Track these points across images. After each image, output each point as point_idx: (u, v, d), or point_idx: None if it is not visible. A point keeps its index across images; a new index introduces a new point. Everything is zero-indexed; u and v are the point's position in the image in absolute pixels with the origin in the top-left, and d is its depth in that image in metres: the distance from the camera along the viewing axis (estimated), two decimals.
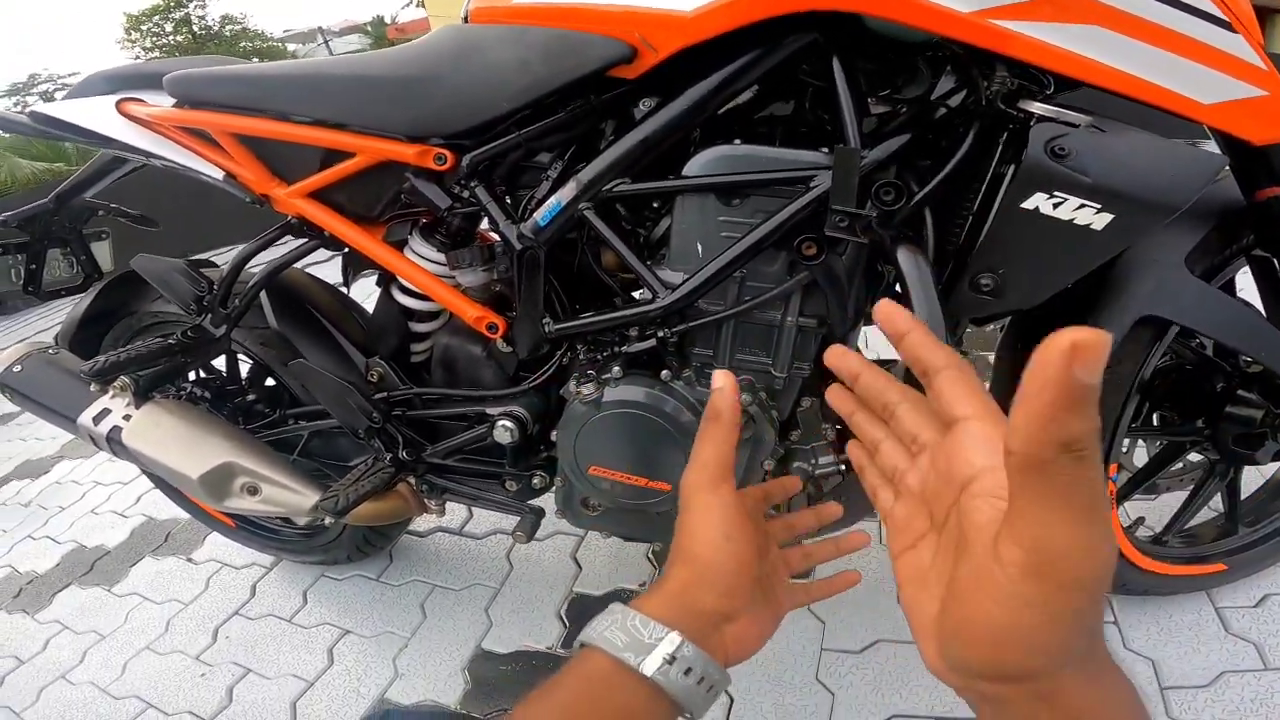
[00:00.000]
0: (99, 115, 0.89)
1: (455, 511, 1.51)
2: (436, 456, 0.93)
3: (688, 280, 0.70)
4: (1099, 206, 0.59)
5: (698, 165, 0.69)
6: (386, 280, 0.95)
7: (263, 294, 0.98)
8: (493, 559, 1.37)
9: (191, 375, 1.13)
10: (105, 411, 0.96)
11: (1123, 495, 1.03)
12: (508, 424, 0.84)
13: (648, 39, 0.66)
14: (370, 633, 1.27)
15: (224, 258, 1.08)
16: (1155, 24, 0.56)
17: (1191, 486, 1.08)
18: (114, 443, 0.96)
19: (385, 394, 0.93)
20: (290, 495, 0.96)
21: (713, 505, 0.40)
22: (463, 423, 0.94)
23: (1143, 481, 1.06)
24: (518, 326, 0.83)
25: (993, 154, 0.62)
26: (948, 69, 0.66)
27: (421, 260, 0.86)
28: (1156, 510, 1.18)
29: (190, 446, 0.95)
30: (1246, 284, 0.86)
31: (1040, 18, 0.56)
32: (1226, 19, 0.57)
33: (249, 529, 1.40)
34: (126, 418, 0.95)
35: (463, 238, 0.89)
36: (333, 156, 0.80)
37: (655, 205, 0.77)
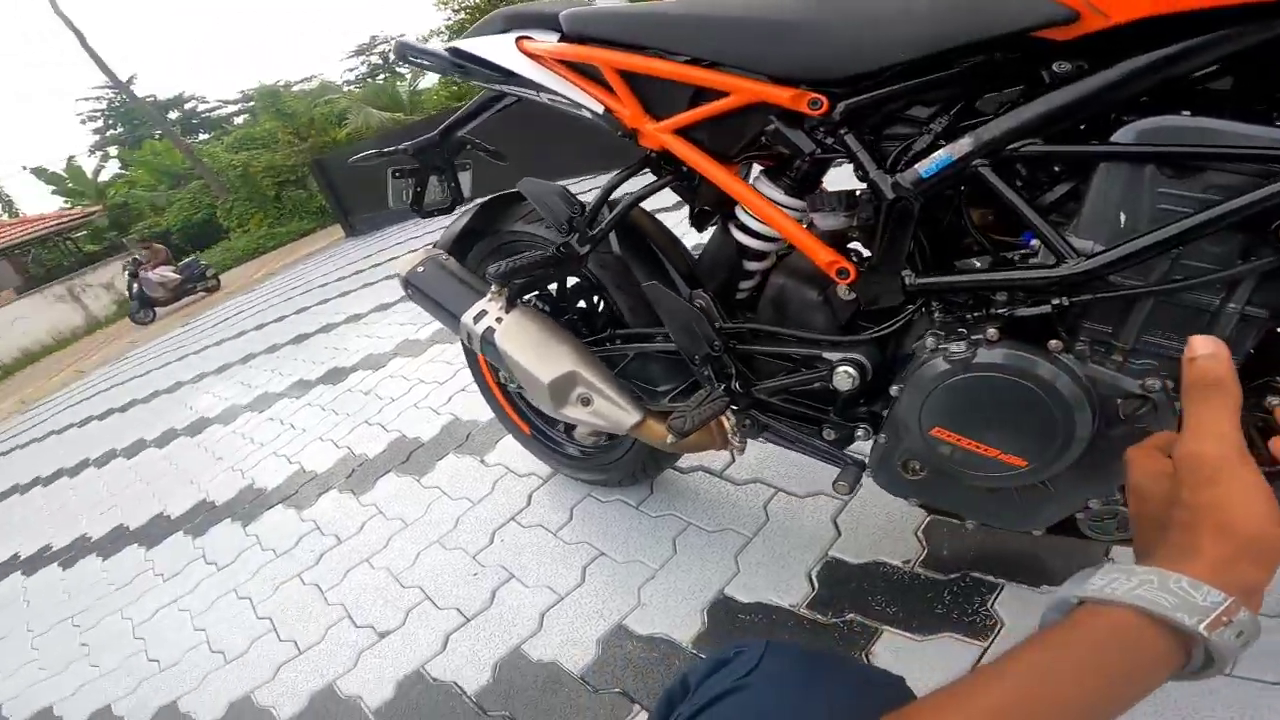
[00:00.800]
0: (502, 50, 1.02)
1: (719, 454, 1.57)
2: (765, 393, 0.97)
3: (1110, 250, 0.65)
4: None
5: (1135, 134, 0.63)
6: (724, 218, 1.00)
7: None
8: (749, 507, 1.42)
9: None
10: (483, 313, 1.14)
11: None
12: (850, 370, 0.85)
13: (1098, 4, 0.61)
14: (622, 558, 1.37)
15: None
16: None
17: None
18: (485, 341, 1.14)
19: (720, 324, 0.99)
20: (617, 411, 1.07)
21: (1251, 481, 0.39)
22: (787, 363, 0.97)
23: None
24: (870, 275, 0.83)
25: None
26: None
27: (773, 201, 0.90)
28: None
29: (545, 352, 1.10)
30: None
31: None
32: None
33: (540, 438, 1.58)
34: (499, 320, 1.13)
35: (810, 184, 0.91)
36: (703, 95, 0.85)
37: (1056, 170, 0.72)
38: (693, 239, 1.12)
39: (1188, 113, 0.65)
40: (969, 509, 0.89)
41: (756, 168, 0.98)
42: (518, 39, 1.01)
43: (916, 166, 0.73)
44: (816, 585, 1.21)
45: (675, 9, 0.90)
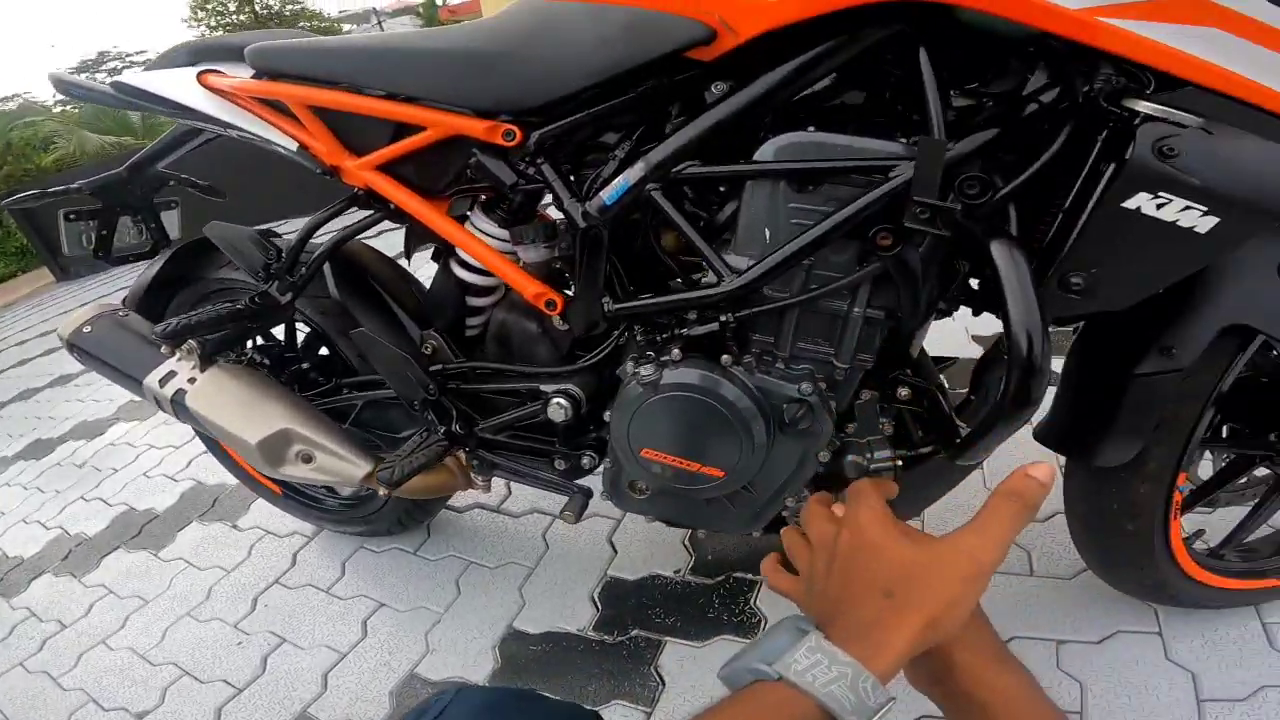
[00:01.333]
0: (181, 86, 0.92)
1: (493, 489, 1.53)
2: (488, 431, 0.94)
3: (755, 265, 0.70)
4: (1205, 209, 0.57)
5: (771, 151, 0.68)
6: (445, 254, 0.96)
7: (325, 264, 1.00)
8: (529, 538, 1.39)
9: (252, 342, 1.17)
10: (171, 374, 0.99)
11: (1185, 506, 1.01)
12: (562, 401, 0.84)
13: (728, 21, 0.65)
14: (405, 607, 1.30)
15: (284, 230, 1.11)
16: (1272, 27, 0.54)
17: (1253, 502, 1.05)
18: (177, 405, 0.99)
19: (441, 366, 0.95)
20: (343, 464, 0.98)
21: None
22: (515, 399, 0.95)
23: (1207, 494, 1.03)
24: (576, 304, 0.83)
25: (1088, 151, 0.60)
26: (1040, 65, 0.64)
27: (483, 235, 0.88)
28: (1216, 525, 1.15)
29: (250, 412, 0.98)
30: None
31: (1154, 18, 0.54)
32: None
33: (295, 497, 1.43)
34: (191, 380, 0.98)
35: (524, 215, 0.90)
36: (404, 130, 0.82)
37: (721, 190, 0.76)
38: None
39: (813, 128, 0.70)
40: (696, 519, 0.92)
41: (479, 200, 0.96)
42: (201, 73, 0.91)
43: (601, 194, 0.74)
44: (600, 606, 1.22)
45: (366, 42, 0.84)
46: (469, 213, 0.92)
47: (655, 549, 1.31)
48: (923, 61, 0.62)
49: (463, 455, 0.99)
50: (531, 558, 1.34)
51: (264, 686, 1.23)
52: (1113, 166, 0.58)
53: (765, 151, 0.68)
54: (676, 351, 0.77)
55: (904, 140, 0.65)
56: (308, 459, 0.98)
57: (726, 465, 0.78)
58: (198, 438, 1.54)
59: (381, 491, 0.96)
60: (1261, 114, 0.57)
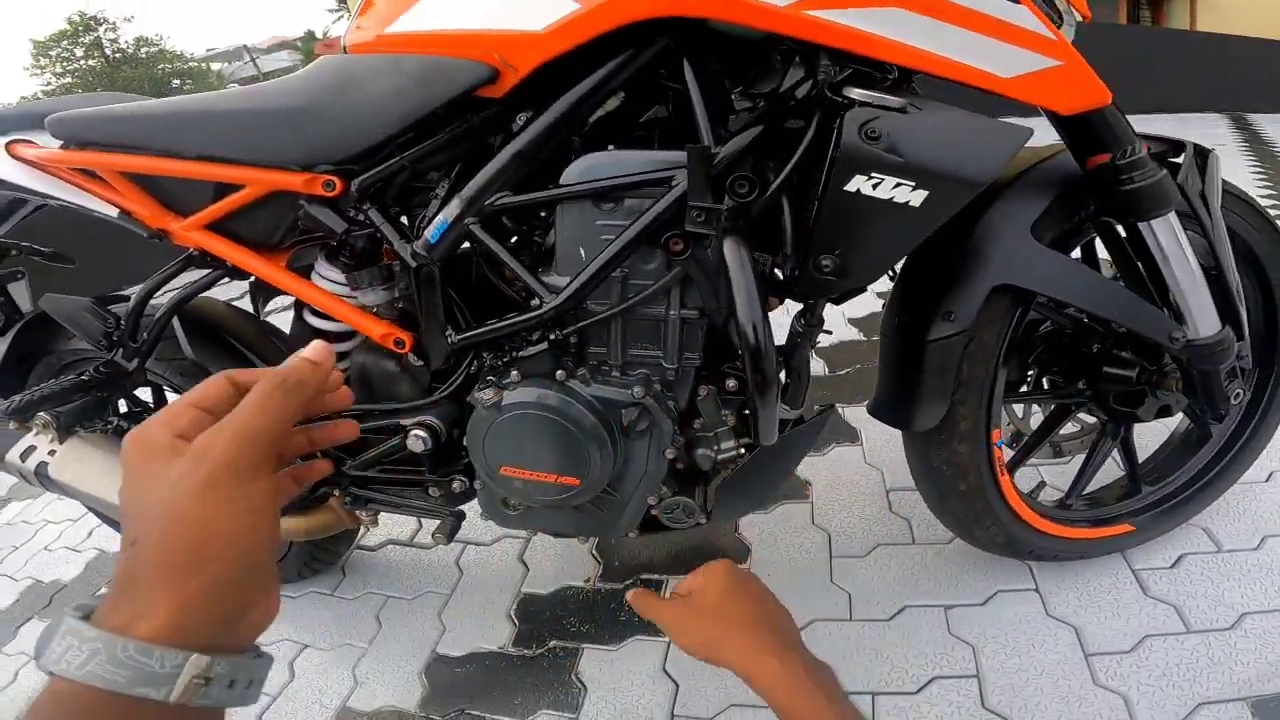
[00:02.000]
0: None
1: (406, 524, 1.54)
2: (357, 469, 0.95)
3: (570, 283, 0.74)
4: (914, 184, 0.62)
5: (573, 174, 0.72)
6: (298, 304, 0.97)
7: (176, 324, 0.99)
8: (443, 566, 1.40)
9: (115, 410, 1.14)
10: (31, 448, 0.97)
11: (1016, 461, 1.08)
12: (420, 433, 0.86)
13: (507, 59, 0.69)
14: (328, 645, 1.29)
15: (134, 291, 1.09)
16: (950, 4, 0.59)
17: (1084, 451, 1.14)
18: (42, 477, 0.97)
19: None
20: None
21: (242, 499, 0.32)
22: (382, 436, 0.96)
23: (1036, 445, 1.11)
24: (424, 340, 0.85)
25: (828, 141, 0.65)
26: (795, 62, 0.69)
27: (327, 283, 0.89)
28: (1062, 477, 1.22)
29: (116, 477, 0.96)
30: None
31: (847, 4, 0.59)
32: None
33: None
34: (51, 453, 0.96)
35: (367, 258, 0.91)
36: (224, 188, 0.82)
37: (543, 215, 0.80)
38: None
39: (612, 147, 0.76)
40: (572, 528, 0.95)
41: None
42: (9, 143, 0.88)
43: (425, 233, 0.77)
44: (517, 623, 1.24)
45: (171, 105, 0.84)
46: (315, 262, 0.93)
47: (565, 562, 1.34)
48: (686, 71, 0.66)
49: (336, 496, 1.00)
50: (447, 585, 1.35)
51: None
52: (831, 153, 0.64)
53: (570, 174, 0.72)
54: (515, 374, 0.80)
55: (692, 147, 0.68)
56: None
57: (579, 474, 0.81)
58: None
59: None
60: (954, 83, 0.63)
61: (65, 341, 1.11)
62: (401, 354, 0.88)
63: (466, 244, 0.80)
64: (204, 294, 0.95)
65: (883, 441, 1.50)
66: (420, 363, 0.89)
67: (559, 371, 0.79)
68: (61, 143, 0.85)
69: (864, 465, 1.45)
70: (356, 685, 1.20)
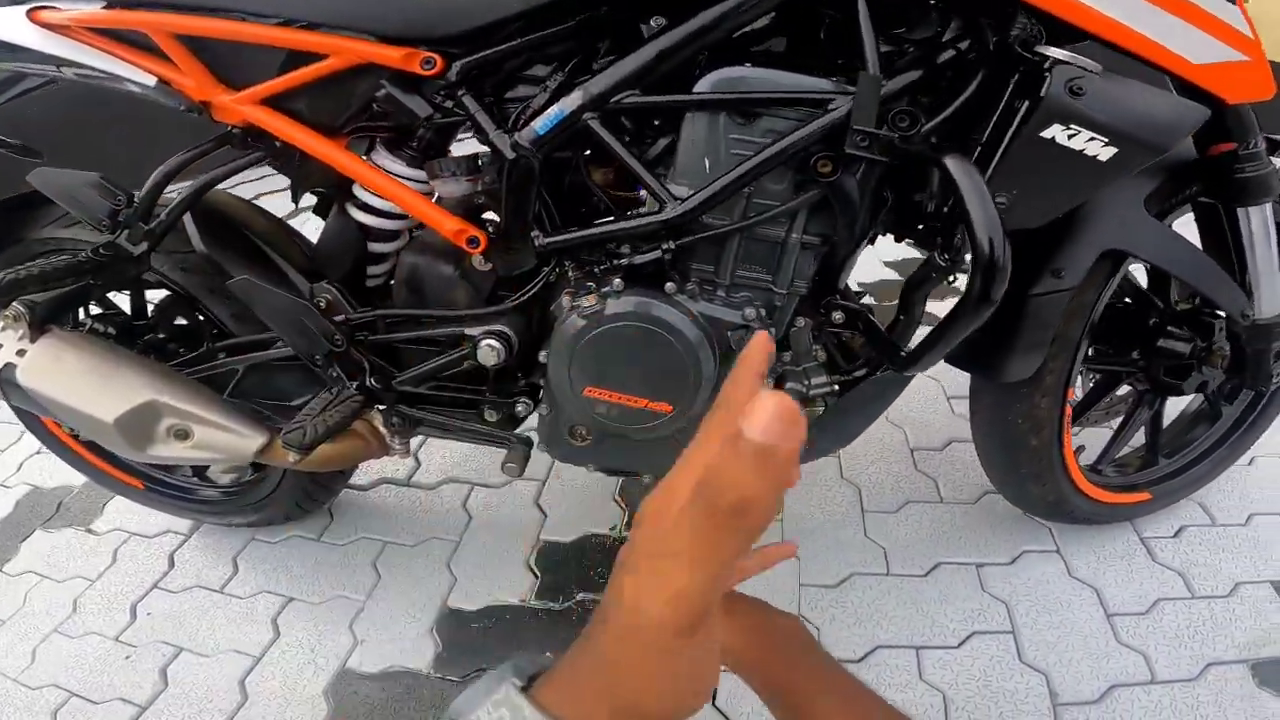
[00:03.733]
0: (5, 23, 0.76)
1: (401, 462, 1.41)
2: (409, 384, 0.85)
3: (699, 191, 0.69)
4: (1106, 140, 0.66)
5: (710, 84, 0.68)
6: (340, 199, 0.86)
7: (186, 215, 0.86)
8: (448, 510, 1.29)
9: (87, 312, 0.98)
10: None
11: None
12: (493, 343, 0.77)
13: None
14: (318, 598, 1.17)
15: None
16: None
17: (1119, 419, 1.18)
18: (6, 383, 0.81)
19: (343, 316, 0.84)
20: (230, 438, 0.84)
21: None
22: (433, 347, 0.86)
23: (1083, 411, 1.14)
24: (501, 241, 0.77)
25: (1000, 91, 0.67)
26: (954, 15, 0.69)
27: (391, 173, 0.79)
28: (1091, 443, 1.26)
29: (103, 384, 0.82)
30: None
31: None
32: None
33: (161, 490, 1.24)
34: (20, 353, 0.80)
35: (433, 152, 0.82)
36: (297, 59, 0.72)
37: (655, 123, 0.74)
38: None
39: (749, 65, 0.72)
40: (641, 464, 0.89)
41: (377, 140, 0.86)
42: (31, 10, 0.76)
43: (533, 124, 0.71)
44: (539, 574, 1.17)
45: None
46: (369, 153, 0.83)
47: (586, 508, 1.26)
48: (860, 3, 0.64)
49: (377, 416, 0.89)
50: (454, 531, 1.25)
51: (172, 701, 1.07)
52: (1027, 103, 0.65)
53: (705, 84, 0.68)
54: (618, 281, 0.72)
55: (834, 80, 0.68)
56: (183, 435, 0.84)
57: (674, 399, 0.76)
58: (30, 433, 1.29)
59: (291, 459, 0.84)
60: (1142, 62, 0.66)
61: (36, 229, 0.94)
62: (466, 256, 0.79)
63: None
64: (218, 187, 0.83)
65: (903, 401, 1.49)
66: (487, 266, 0.80)
67: (668, 284, 0.73)
68: (105, 3, 0.72)
69: (887, 423, 1.44)
70: (356, 643, 1.09)
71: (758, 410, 0.21)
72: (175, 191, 0.85)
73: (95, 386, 0.82)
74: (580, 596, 1.12)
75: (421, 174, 0.80)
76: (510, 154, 0.71)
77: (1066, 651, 1.01)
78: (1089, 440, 1.24)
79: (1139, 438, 1.18)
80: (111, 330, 0.98)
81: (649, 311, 0.72)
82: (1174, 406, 1.27)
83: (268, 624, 1.14)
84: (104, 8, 0.74)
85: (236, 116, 0.76)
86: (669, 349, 0.72)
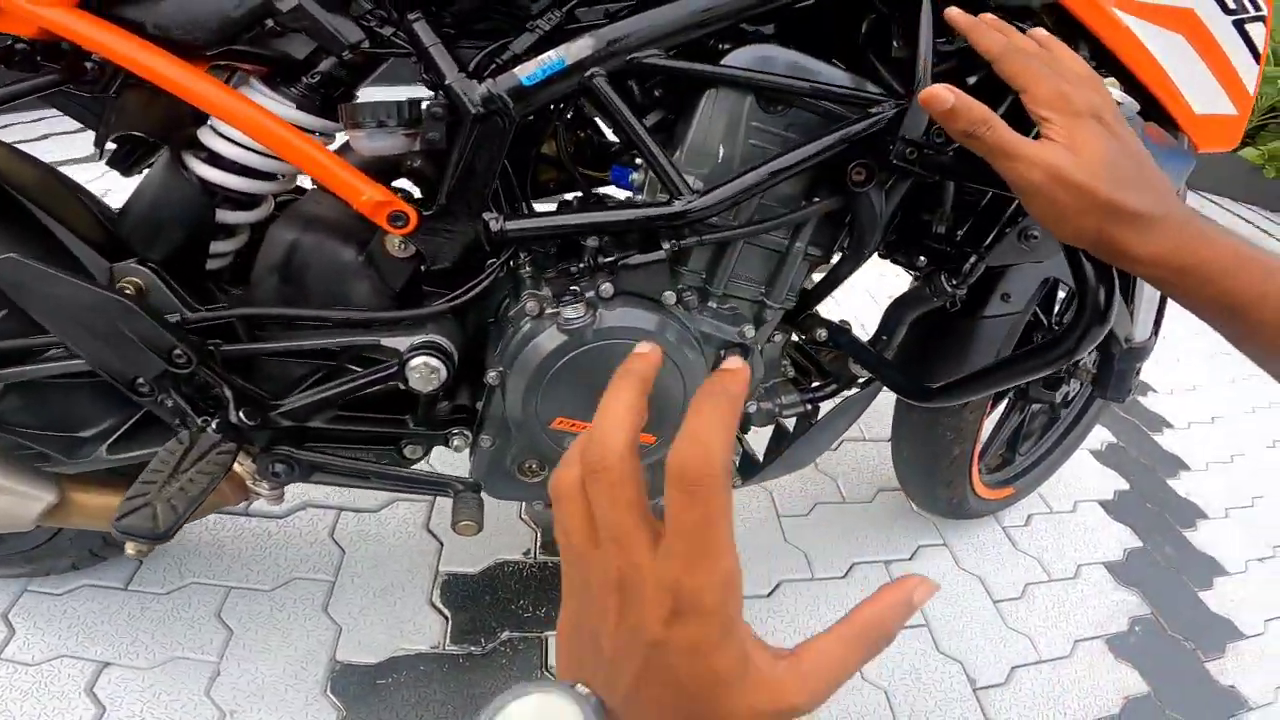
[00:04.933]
0: None
1: None
2: (295, 417, 0.62)
3: (727, 183, 0.56)
4: None
5: (747, 59, 0.56)
6: (174, 147, 0.60)
7: None
8: (311, 544, 1.04)
9: None
10: None
11: None
12: (430, 361, 0.59)
13: None
14: (147, 662, 0.88)
15: None
16: (1221, 48, 0.61)
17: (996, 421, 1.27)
18: None
19: (180, 316, 0.59)
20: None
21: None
22: (322, 363, 0.64)
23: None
24: (439, 221, 0.58)
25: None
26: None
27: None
28: None
29: None
30: None
31: (1151, 19, 0.58)
32: (1261, 52, 0.64)
33: None
34: None
35: (335, 92, 0.60)
36: None
37: (658, 94, 0.61)
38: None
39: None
40: None
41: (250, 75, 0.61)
42: None
43: (516, 71, 0.53)
44: (448, 612, 0.98)
45: None
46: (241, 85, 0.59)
47: (491, 533, 1.06)
48: (924, 8, 0.55)
49: (246, 460, 0.64)
50: (325, 568, 1.01)
51: None
52: None
53: (739, 59, 0.56)
54: (607, 286, 0.58)
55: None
56: None
57: (659, 428, 0.64)
58: None
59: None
60: (1147, 98, 0.64)
61: None
62: (380, 236, 0.60)
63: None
64: None
65: None
66: (408, 252, 0.61)
67: (666, 292, 0.59)
68: None
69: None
70: (225, 714, 0.84)
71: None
72: None
73: None
74: (506, 635, 0.96)
75: (316, 121, 0.59)
76: (478, 108, 0.53)
77: (972, 639, 1.09)
78: None
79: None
80: None
81: (650, 327, 0.58)
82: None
83: (80, 695, 0.84)
84: None
85: (28, 25, 0.51)
86: (667, 373, 0.60)
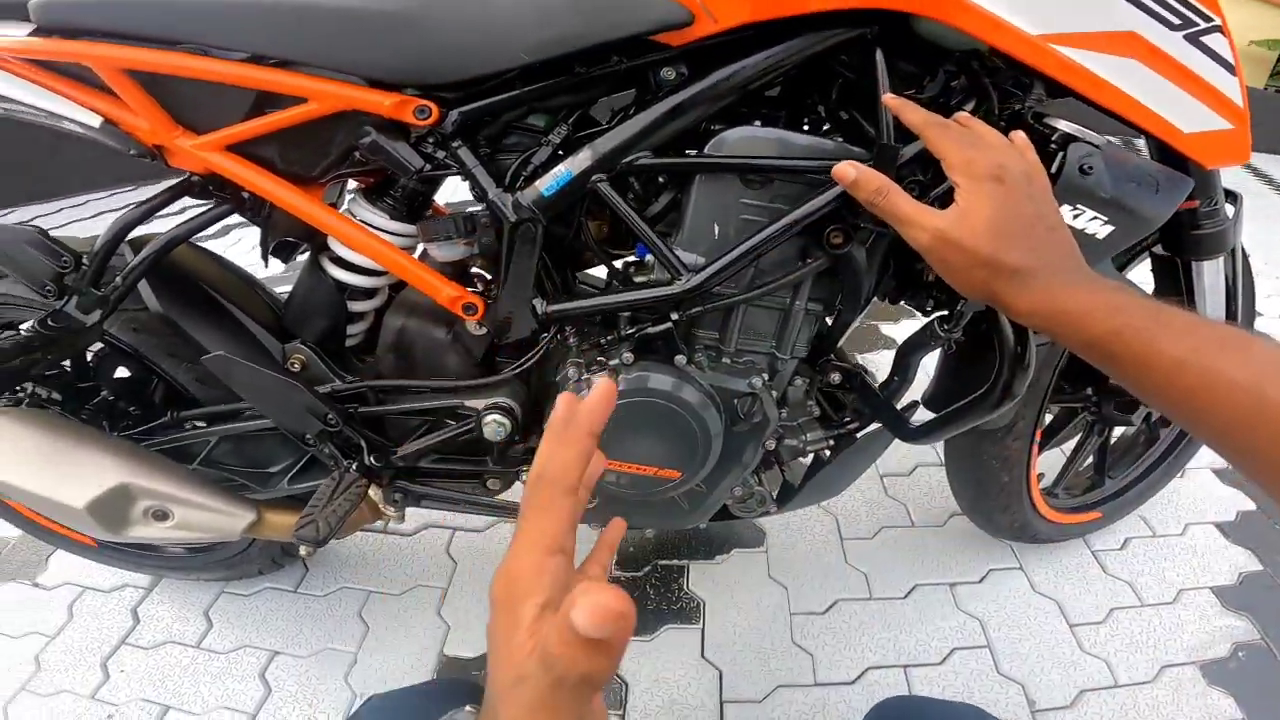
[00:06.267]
0: None
1: None
2: (408, 460, 0.82)
3: (713, 262, 0.67)
4: (1106, 219, 0.65)
5: (723, 145, 0.65)
6: (314, 250, 0.81)
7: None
8: (431, 557, 1.26)
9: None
10: None
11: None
12: (499, 418, 0.75)
13: (710, 7, 0.60)
14: (306, 652, 1.12)
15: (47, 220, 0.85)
16: (1180, 64, 0.61)
17: (1074, 444, 1.24)
18: None
19: (330, 389, 0.80)
20: (215, 518, 0.80)
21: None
22: (426, 418, 0.83)
23: (1046, 443, 1.21)
24: (500, 307, 0.74)
25: None
26: (962, 77, 0.68)
27: (373, 229, 0.74)
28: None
29: (65, 467, 0.76)
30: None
31: (1095, 48, 0.59)
32: (1233, 63, 0.63)
33: (117, 547, 1.16)
34: None
35: (418, 204, 0.77)
36: (269, 101, 0.66)
37: (659, 179, 0.72)
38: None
39: (758, 123, 0.70)
40: (646, 521, 0.90)
41: (351, 185, 0.81)
42: None
43: (537, 184, 0.66)
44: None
45: None
46: (341, 200, 0.78)
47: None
48: (879, 66, 0.62)
49: (377, 491, 0.85)
50: (440, 577, 1.22)
51: None
52: None
53: (718, 145, 0.65)
54: (628, 355, 0.71)
55: (838, 140, 0.67)
56: (162, 516, 0.78)
57: (683, 466, 0.76)
58: None
59: (303, 553, 0.80)
60: (1128, 125, 0.65)
61: None
62: (460, 319, 0.77)
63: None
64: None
65: None
66: (482, 331, 0.78)
67: (678, 356, 0.72)
68: (37, 28, 0.63)
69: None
70: (354, 696, 1.06)
71: (589, 606, 0.24)
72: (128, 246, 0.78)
73: (56, 470, 0.75)
74: None
75: (404, 228, 0.76)
76: (513, 217, 0.67)
77: (1038, 662, 1.08)
78: (1043, 465, 1.32)
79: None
80: (56, 395, 0.90)
81: (662, 387, 0.70)
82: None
83: (255, 679, 1.09)
84: (33, 34, 0.65)
85: (198, 164, 0.69)
86: (680, 422, 0.72)
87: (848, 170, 0.56)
